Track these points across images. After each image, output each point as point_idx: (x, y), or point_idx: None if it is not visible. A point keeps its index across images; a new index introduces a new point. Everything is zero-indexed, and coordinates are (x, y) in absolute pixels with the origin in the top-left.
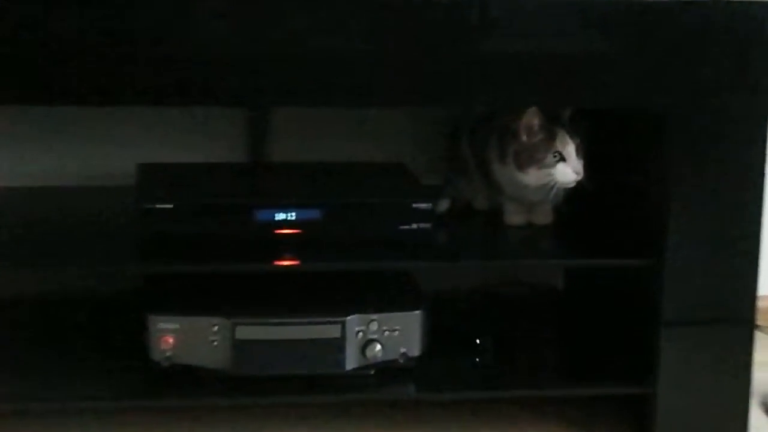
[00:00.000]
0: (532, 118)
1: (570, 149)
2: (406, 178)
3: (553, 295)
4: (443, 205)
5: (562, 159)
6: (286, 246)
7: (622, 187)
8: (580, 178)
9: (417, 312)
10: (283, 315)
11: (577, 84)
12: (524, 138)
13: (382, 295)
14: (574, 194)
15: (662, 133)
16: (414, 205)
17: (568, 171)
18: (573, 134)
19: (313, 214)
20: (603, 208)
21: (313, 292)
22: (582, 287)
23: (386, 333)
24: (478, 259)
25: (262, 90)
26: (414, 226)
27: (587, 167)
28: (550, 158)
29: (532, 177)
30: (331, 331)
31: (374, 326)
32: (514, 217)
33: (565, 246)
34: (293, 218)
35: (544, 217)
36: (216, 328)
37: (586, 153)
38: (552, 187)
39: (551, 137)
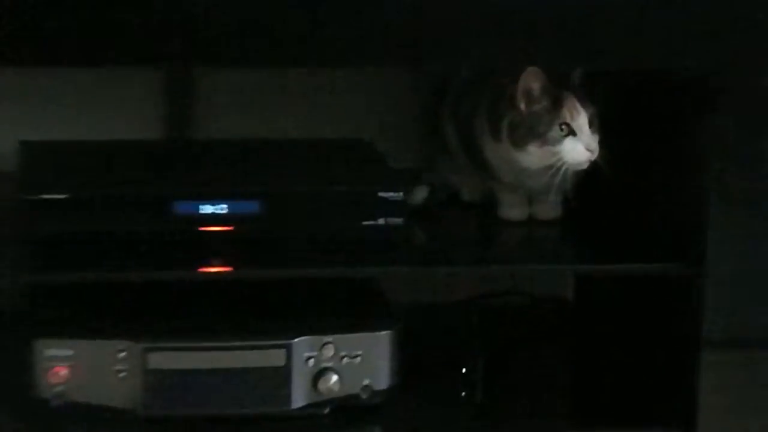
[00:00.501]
0: (531, 80)
1: (581, 120)
2: (371, 160)
3: (561, 309)
4: (420, 194)
5: (571, 133)
6: (214, 248)
7: (649, 171)
8: (594, 157)
9: (385, 332)
10: (210, 337)
11: (595, 37)
12: (522, 106)
13: (340, 311)
14: (586, 180)
15: (703, 103)
16: (381, 195)
17: (578, 148)
18: (586, 101)
19: (250, 206)
20: (624, 197)
21: (250, 307)
22: (598, 300)
23: (345, 360)
24: (465, 264)
25: (181, 45)
26: (381, 221)
27: (604, 144)
28: (555, 132)
29: (532, 157)
30: (274, 358)
31: (329, 351)
32: (512, 210)
33: (576, 247)
34: (224, 212)
35: (549, 210)
36: (123, 354)
37: (602, 126)
38: (558, 169)
39: (557, 105)
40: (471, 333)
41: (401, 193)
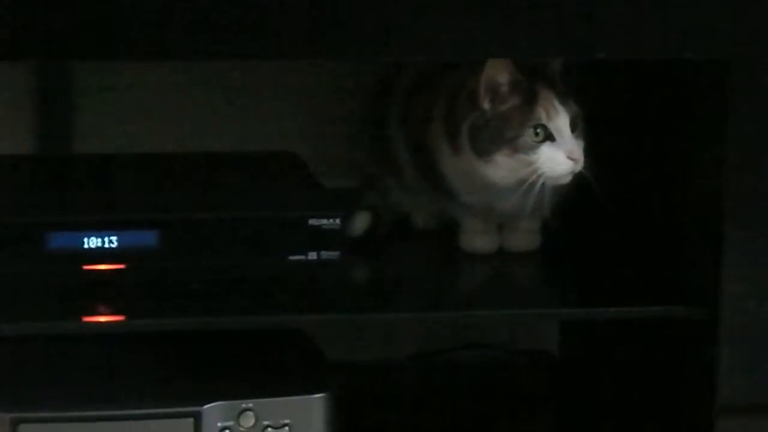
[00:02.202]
0: (497, 73)
1: (561, 121)
2: (299, 178)
3: (543, 363)
4: (360, 222)
5: (549, 137)
6: (102, 291)
7: (649, 190)
8: (578, 168)
9: (318, 396)
10: (96, 405)
11: (583, 22)
12: (486, 105)
13: (262, 370)
14: (570, 201)
15: (718, 104)
16: (312, 222)
17: (558, 156)
18: (567, 99)
19: (146, 238)
20: (618, 223)
21: (148, 365)
22: (588, 353)
23: (269, 431)
24: (420, 309)
25: (55, 36)
26: (312, 255)
27: (591, 154)
28: (528, 136)
29: (500, 169)
30: (180, 429)
31: (249, 420)
32: (477, 239)
33: (559, 286)
34: (113, 245)
35: (523, 239)
36: None
37: (589, 132)
38: (534, 185)
39: (530, 103)
40: (428, 397)
41: (338, 220)
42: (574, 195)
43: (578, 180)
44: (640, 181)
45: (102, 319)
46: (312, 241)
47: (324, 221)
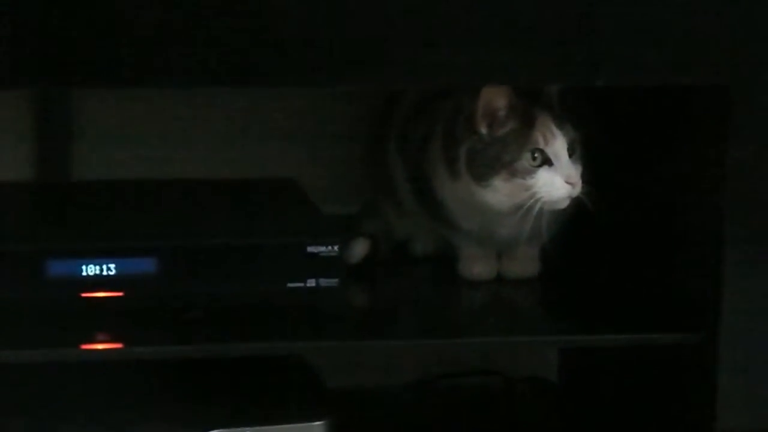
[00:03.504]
0: (494, 97)
1: (558, 145)
2: (298, 204)
3: (542, 392)
4: (358, 249)
5: (546, 162)
6: (100, 318)
7: (649, 215)
8: (576, 192)
9: (318, 424)
10: (96, 431)
11: (584, 47)
12: (483, 129)
13: (261, 397)
14: (569, 227)
15: (716, 129)
16: (310, 249)
17: (555, 181)
18: (564, 123)
19: (145, 265)
20: (617, 249)
21: (147, 394)
22: (587, 381)
23: None
24: (418, 336)
25: (54, 63)
26: (311, 283)
27: (590, 180)
28: (526, 160)
29: (498, 194)
30: None
31: None
32: (476, 266)
33: (558, 313)
34: (112, 273)
35: (522, 265)
36: None
37: (587, 156)
38: (531, 209)
39: (528, 126)
40: (427, 423)
41: (336, 247)
42: (572, 221)
43: (576, 206)
44: (639, 206)
45: (100, 346)
46: (310, 268)
47: (322, 248)
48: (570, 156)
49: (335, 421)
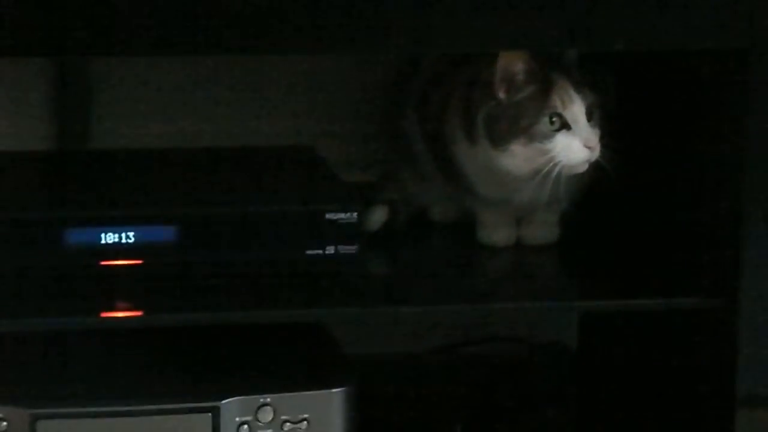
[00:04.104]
0: (513, 63)
1: (576, 109)
2: (316, 172)
3: (561, 357)
4: (376, 216)
5: (565, 126)
6: (119, 287)
7: (668, 181)
8: (594, 156)
9: (337, 390)
10: (115, 401)
11: (598, 12)
12: (502, 94)
13: (280, 364)
14: (588, 193)
15: (739, 94)
16: (329, 217)
17: (574, 144)
18: (582, 87)
19: (164, 233)
20: (636, 215)
21: (166, 360)
22: (607, 346)
23: (287, 425)
24: (438, 303)
25: (73, 31)
26: (330, 250)
27: (609, 145)
28: (544, 125)
29: (516, 158)
30: (197, 425)
31: (267, 414)
32: (495, 232)
33: (577, 278)
34: (131, 241)
35: (541, 232)
36: (4, 425)
37: (607, 122)
38: (550, 174)
39: (545, 92)
40: (446, 390)
41: (355, 214)
42: (591, 186)
43: (595, 171)
44: (659, 173)
45: (119, 314)
46: (329, 236)
47: (341, 215)
48: (589, 120)
49: (355, 389)
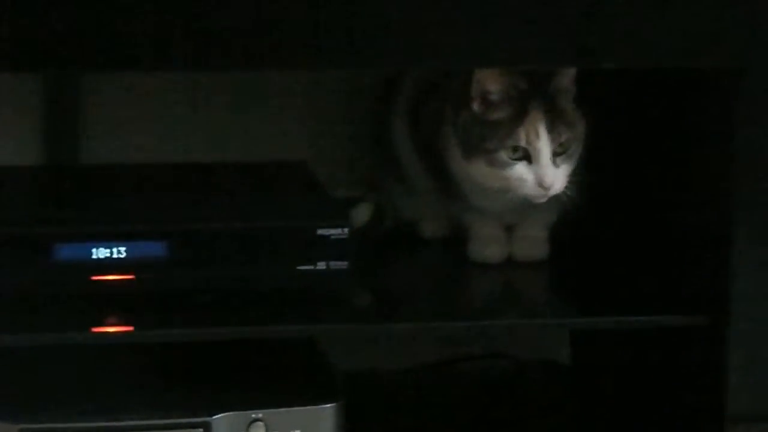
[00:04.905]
0: (489, 79)
1: (541, 145)
2: (308, 188)
3: (553, 375)
4: (361, 214)
5: (527, 158)
6: (109, 302)
7: (660, 197)
8: (552, 193)
9: (330, 406)
10: (105, 416)
11: (594, 30)
12: (475, 106)
13: (272, 380)
14: (579, 209)
15: (730, 112)
16: (320, 233)
17: (530, 180)
18: (562, 120)
19: (155, 249)
20: (626, 231)
21: (156, 376)
22: (598, 363)
23: None
24: (429, 319)
25: (63, 46)
26: (321, 265)
27: (599, 161)
28: (506, 152)
29: (479, 174)
30: None
31: (259, 430)
32: (486, 248)
33: (569, 296)
34: (122, 256)
35: (532, 248)
36: None
37: (602, 139)
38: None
39: (517, 118)
40: (438, 407)
41: (346, 230)
42: (581, 204)
43: (589, 190)
44: (649, 189)
45: (110, 329)
46: (321, 251)
47: (332, 231)
48: (559, 155)
49: (346, 404)
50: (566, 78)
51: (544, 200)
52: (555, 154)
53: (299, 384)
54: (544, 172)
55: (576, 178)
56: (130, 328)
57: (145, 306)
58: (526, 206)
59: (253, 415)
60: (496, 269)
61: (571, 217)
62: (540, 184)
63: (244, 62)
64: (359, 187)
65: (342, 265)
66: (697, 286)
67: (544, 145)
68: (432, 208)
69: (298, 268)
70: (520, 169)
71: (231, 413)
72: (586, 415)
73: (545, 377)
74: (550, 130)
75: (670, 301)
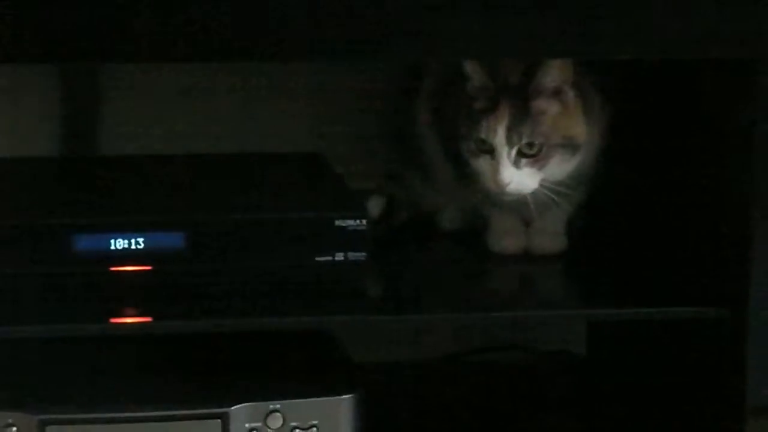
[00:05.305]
0: (471, 66)
1: (498, 143)
2: (326, 179)
3: (570, 366)
4: (374, 205)
5: (490, 152)
6: (128, 293)
7: (678, 190)
8: (512, 192)
9: (346, 397)
10: (123, 406)
11: (604, 20)
12: (469, 93)
13: (289, 371)
14: (596, 201)
15: (745, 100)
16: (338, 223)
17: (488, 172)
18: (528, 122)
19: (172, 240)
20: (644, 223)
21: (175, 367)
22: (616, 354)
23: None
24: (447, 310)
25: (81, 38)
26: (339, 256)
27: (616, 154)
28: (473, 143)
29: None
30: (207, 431)
31: (276, 421)
32: (504, 239)
33: (586, 287)
34: (140, 247)
35: (549, 241)
36: (14, 430)
37: (617, 131)
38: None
39: (489, 109)
40: (454, 398)
41: (364, 221)
42: (598, 195)
43: (603, 182)
44: (669, 182)
45: (129, 320)
46: (338, 242)
47: (350, 222)
48: (528, 156)
49: (363, 395)
50: (548, 78)
51: (510, 198)
52: (522, 155)
53: (317, 375)
54: (498, 169)
55: (588, 178)
56: (149, 319)
57: (163, 297)
58: (543, 201)
59: (271, 406)
60: (513, 261)
61: (589, 210)
62: (494, 180)
63: (247, 54)
64: (373, 180)
65: (360, 256)
66: (716, 278)
67: (500, 143)
68: (451, 199)
69: (316, 259)
70: (482, 162)
71: (248, 404)
72: (603, 407)
73: (563, 368)
74: (513, 129)
75: (688, 293)
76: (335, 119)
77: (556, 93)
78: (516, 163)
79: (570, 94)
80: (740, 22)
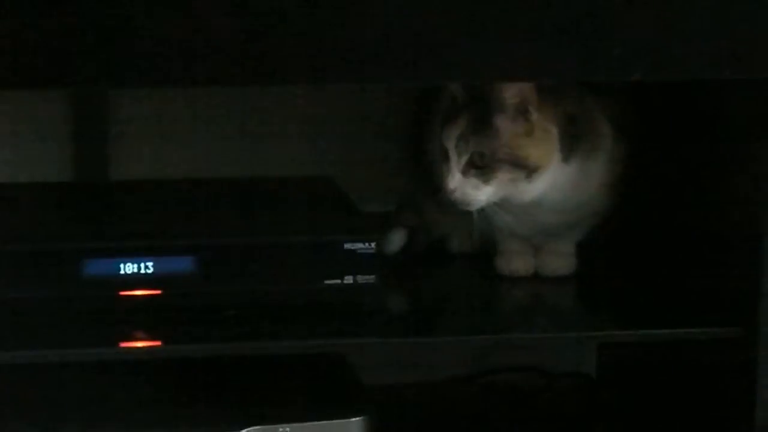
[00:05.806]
0: (455, 89)
1: (449, 149)
2: (335, 202)
3: (580, 388)
4: (396, 240)
5: (447, 158)
6: (137, 317)
7: (685, 210)
8: (461, 202)
9: (357, 420)
10: (133, 429)
11: (613, 44)
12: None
13: (299, 394)
14: (606, 223)
15: (755, 120)
16: (348, 246)
17: (444, 179)
18: (482, 134)
19: (183, 264)
20: (654, 244)
21: (184, 391)
22: (626, 376)
23: None
24: (457, 333)
25: (92, 63)
26: (349, 279)
27: (622, 175)
28: (442, 149)
29: None
30: None
31: None
32: (514, 262)
33: (597, 310)
34: (149, 272)
35: (559, 262)
36: None
37: (624, 149)
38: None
39: (455, 117)
40: (466, 420)
41: (373, 244)
42: (608, 218)
43: (612, 203)
44: (677, 202)
45: (138, 344)
46: (348, 265)
47: (359, 245)
48: (479, 168)
49: (373, 418)
50: (507, 94)
51: (466, 208)
52: (474, 166)
53: (327, 398)
54: (449, 175)
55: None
56: (158, 343)
57: (173, 321)
58: (550, 227)
59: (281, 429)
60: (523, 283)
61: (599, 231)
62: (444, 187)
63: (249, 77)
64: (388, 204)
65: (369, 278)
66: (727, 298)
67: (450, 151)
68: (462, 223)
69: (326, 282)
70: (443, 168)
71: (259, 427)
72: (614, 428)
73: (574, 390)
74: (464, 138)
75: (699, 314)
76: (349, 144)
77: (522, 112)
78: (464, 172)
79: (534, 116)
80: (749, 43)
